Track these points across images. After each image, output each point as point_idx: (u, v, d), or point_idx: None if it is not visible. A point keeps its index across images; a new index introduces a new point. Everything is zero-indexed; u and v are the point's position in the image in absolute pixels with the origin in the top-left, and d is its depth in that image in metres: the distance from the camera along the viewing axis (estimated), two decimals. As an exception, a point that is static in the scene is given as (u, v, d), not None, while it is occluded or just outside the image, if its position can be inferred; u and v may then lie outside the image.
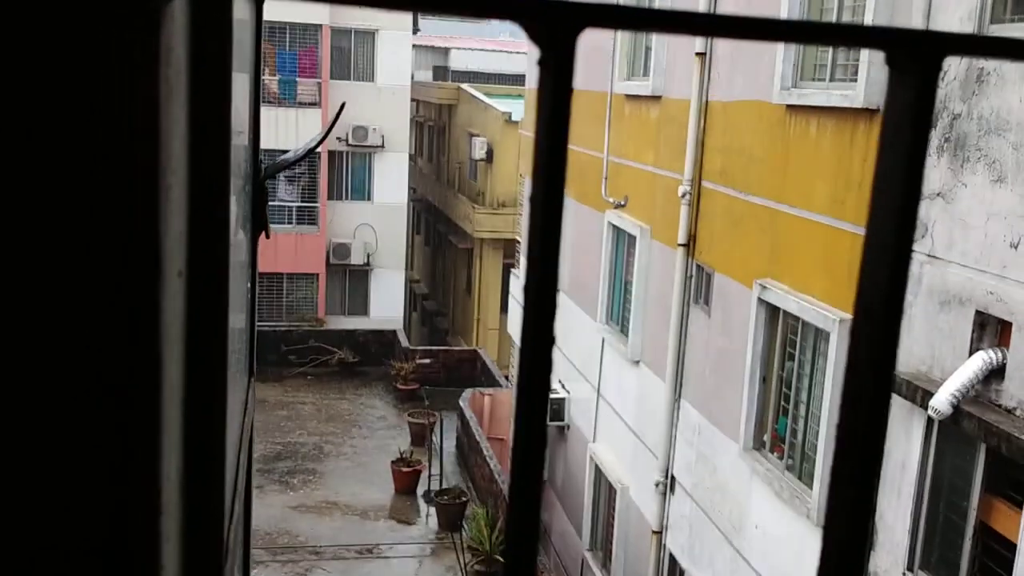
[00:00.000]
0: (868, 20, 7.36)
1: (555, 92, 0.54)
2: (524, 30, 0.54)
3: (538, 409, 0.56)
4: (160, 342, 0.50)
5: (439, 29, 46.75)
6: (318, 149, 25.39)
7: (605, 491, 13.20)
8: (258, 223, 1.68)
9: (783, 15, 8.56)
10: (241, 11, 1.44)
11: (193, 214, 0.64)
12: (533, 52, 0.51)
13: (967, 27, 6.39)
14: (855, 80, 7.66)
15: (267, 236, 1.77)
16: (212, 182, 0.68)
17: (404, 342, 25.07)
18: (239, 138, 1.48)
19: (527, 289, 0.53)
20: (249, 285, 1.69)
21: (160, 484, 0.55)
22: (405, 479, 17.72)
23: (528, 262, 0.57)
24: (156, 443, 0.53)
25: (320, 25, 25.59)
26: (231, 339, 1.22)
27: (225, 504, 1.04)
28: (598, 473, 13.39)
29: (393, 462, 17.95)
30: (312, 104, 25.70)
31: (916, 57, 0.57)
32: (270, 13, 24.39)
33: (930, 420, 6.53)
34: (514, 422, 0.54)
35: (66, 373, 0.50)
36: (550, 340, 0.53)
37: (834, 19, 8.14)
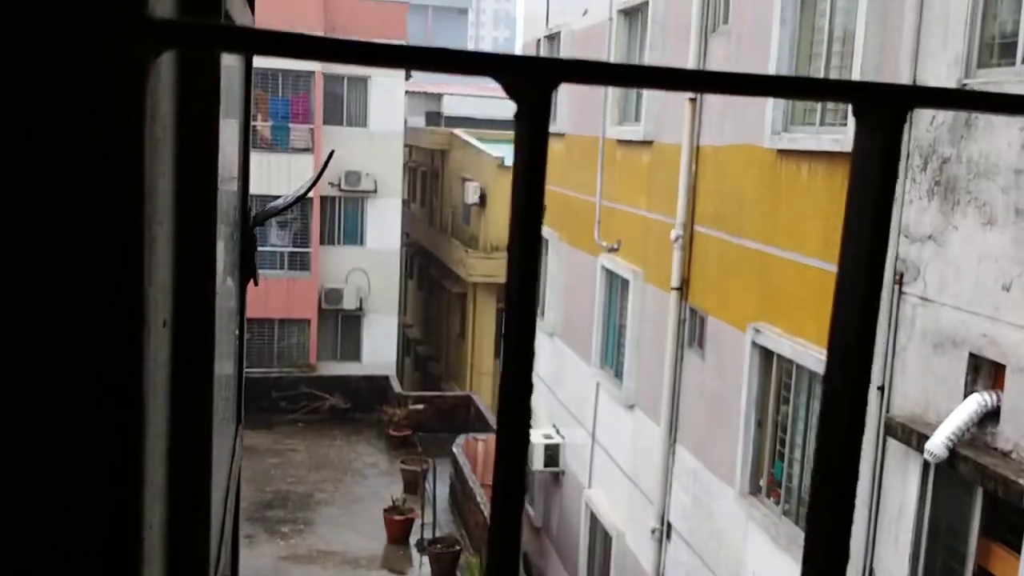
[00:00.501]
0: (857, 64, 7.46)
1: (531, 145, 0.55)
2: (501, 85, 0.55)
3: (518, 453, 0.56)
4: (144, 393, 0.51)
5: (432, 75, 47.21)
6: (310, 194, 25.50)
7: (601, 538, 13.08)
8: (247, 270, 1.69)
9: (772, 59, 8.68)
10: (230, 57, 1.46)
11: (179, 264, 0.65)
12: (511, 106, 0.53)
13: (954, 72, 6.48)
14: (844, 124, 7.75)
15: (255, 283, 1.78)
16: (199, 233, 0.69)
17: (397, 388, 24.95)
18: (228, 184, 1.49)
19: (506, 338, 0.54)
20: (237, 332, 1.69)
21: (142, 534, 0.55)
22: (398, 528, 17.52)
23: (507, 306, 0.58)
24: (138, 492, 0.53)
25: (313, 72, 25.83)
26: (218, 387, 1.21)
27: (211, 552, 1.03)
28: (593, 520, 13.27)
29: (385, 510, 17.76)
30: (305, 150, 25.84)
31: (882, 109, 0.59)
32: (262, 60, 24.67)
33: (926, 464, 6.51)
34: (494, 469, 0.54)
35: (47, 424, 0.50)
36: (528, 387, 0.54)
37: (823, 63, 8.26)
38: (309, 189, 2.50)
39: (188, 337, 0.68)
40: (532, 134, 0.56)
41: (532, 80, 0.55)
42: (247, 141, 1.81)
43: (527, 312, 0.56)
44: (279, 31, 0.47)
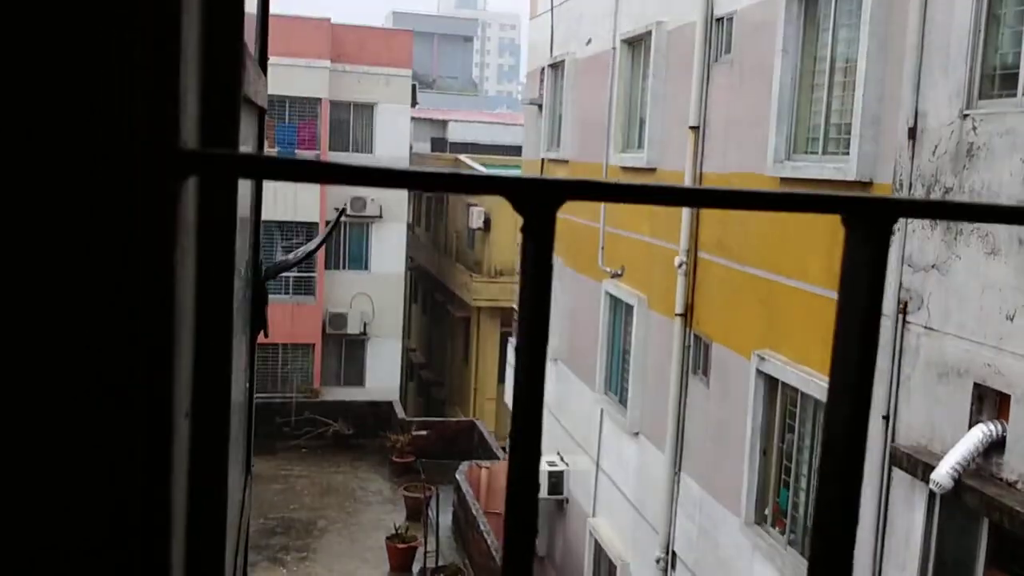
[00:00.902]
0: (859, 94, 7.50)
1: (536, 257, 0.58)
2: (510, 202, 0.58)
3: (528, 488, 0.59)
4: (170, 488, 0.53)
5: (437, 102, 47.52)
6: (315, 219, 25.60)
7: (605, 567, 13.01)
8: (258, 323, 1.72)
9: (774, 89, 8.74)
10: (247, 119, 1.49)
11: (198, 359, 0.68)
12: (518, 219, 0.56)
13: (956, 102, 6.52)
14: (847, 153, 7.79)
15: (266, 335, 1.81)
16: (218, 325, 0.72)
17: (400, 413, 24.91)
18: (241, 240, 1.53)
19: (512, 440, 0.56)
20: (247, 384, 1.72)
21: None
22: (400, 556, 17.43)
23: (513, 413, 0.61)
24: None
25: (320, 99, 25.99)
26: (231, 442, 1.24)
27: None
28: (598, 548, 13.21)
29: (388, 538, 17.68)
30: (311, 176, 25.92)
31: (870, 220, 0.61)
32: (270, 87, 24.81)
33: (932, 494, 6.49)
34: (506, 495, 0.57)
35: (74, 517, 0.53)
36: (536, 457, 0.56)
37: (825, 93, 8.31)
38: (320, 245, 2.54)
39: (205, 424, 0.71)
40: (538, 247, 0.58)
41: (539, 199, 0.58)
42: (260, 188, 1.84)
43: (534, 416, 0.59)
44: (295, 160, 0.50)
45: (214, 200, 0.70)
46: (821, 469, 0.66)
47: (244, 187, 1.43)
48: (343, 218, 26.68)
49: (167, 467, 0.56)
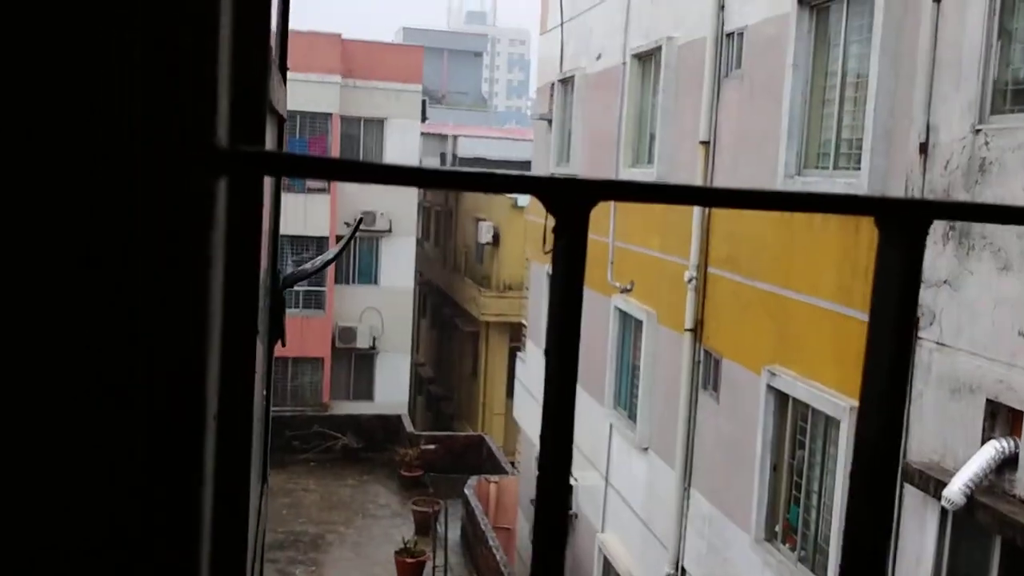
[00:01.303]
0: (870, 108, 7.50)
1: (568, 257, 0.58)
2: (542, 203, 0.58)
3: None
4: (203, 487, 0.53)
5: (447, 117, 47.67)
6: (326, 234, 25.66)
7: (614, 581, 12.95)
8: (276, 331, 1.72)
9: (785, 104, 8.74)
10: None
11: (224, 359, 0.68)
12: (550, 219, 0.55)
13: (968, 117, 6.51)
14: (858, 168, 7.78)
15: (283, 344, 1.81)
16: (242, 329, 0.72)
17: (409, 427, 24.89)
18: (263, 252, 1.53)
19: (541, 464, 0.56)
20: (265, 392, 1.71)
21: None
22: (409, 570, 17.38)
23: (544, 412, 0.60)
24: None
25: (330, 114, 26.11)
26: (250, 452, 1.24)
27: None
28: (607, 564, 13.15)
29: (396, 552, 17.64)
30: (321, 191, 26.07)
31: (904, 221, 0.61)
32: (282, 102, 24.91)
33: (944, 511, 6.45)
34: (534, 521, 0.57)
35: (121, 517, 0.53)
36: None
37: (836, 108, 8.30)
38: (339, 254, 2.55)
39: (230, 429, 0.71)
40: (570, 247, 0.58)
41: (572, 199, 0.58)
42: (278, 198, 1.85)
43: (567, 404, 0.58)
44: (324, 158, 0.50)
45: (242, 200, 0.70)
46: (852, 479, 0.65)
47: (264, 196, 1.43)
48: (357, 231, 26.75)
49: (200, 469, 0.56)
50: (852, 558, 0.62)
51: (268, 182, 1.55)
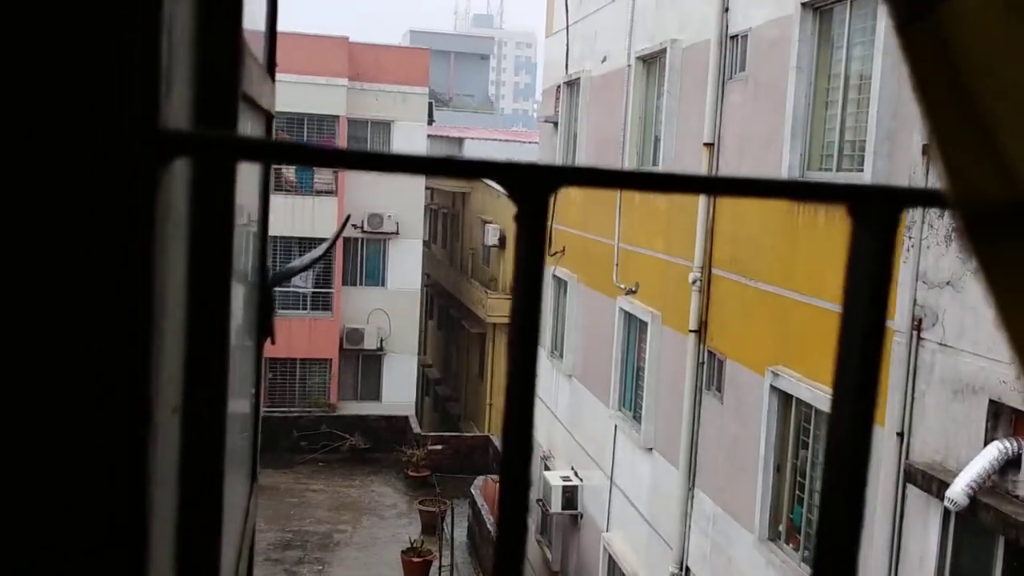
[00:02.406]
0: (873, 110, 7.49)
1: (529, 245, 0.58)
2: (504, 189, 0.58)
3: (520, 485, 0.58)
4: (148, 481, 0.52)
5: (454, 120, 47.73)
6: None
7: (619, 582, 12.93)
8: (264, 330, 1.72)
9: (789, 105, 8.73)
10: (252, 119, 1.50)
11: (192, 350, 0.67)
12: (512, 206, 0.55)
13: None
14: (862, 170, 7.77)
15: (272, 342, 1.81)
16: (212, 318, 0.71)
17: (416, 428, 24.90)
18: (247, 245, 1.53)
19: (503, 440, 0.56)
20: (254, 390, 1.71)
21: None
22: (416, 569, 17.40)
23: (506, 396, 0.60)
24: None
25: (337, 116, 26.14)
26: (232, 449, 1.24)
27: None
28: (612, 563, 13.14)
29: (403, 552, 17.65)
30: (328, 192, 26.10)
31: (876, 209, 0.61)
32: (288, 104, 24.93)
33: (947, 512, 6.43)
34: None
35: (49, 516, 0.52)
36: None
37: (839, 110, 8.29)
38: (326, 252, 2.55)
39: (199, 418, 0.71)
40: (531, 235, 0.58)
41: (532, 186, 0.58)
42: (267, 195, 1.85)
43: (526, 404, 0.58)
44: (279, 143, 0.50)
45: (209, 189, 0.70)
46: (824, 479, 0.64)
47: (250, 191, 1.43)
48: (361, 234, 26.80)
49: (143, 459, 0.55)
50: (825, 554, 0.62)
51: (255, 177, 1.55)
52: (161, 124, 0.50)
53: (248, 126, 1.21)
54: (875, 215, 0.60)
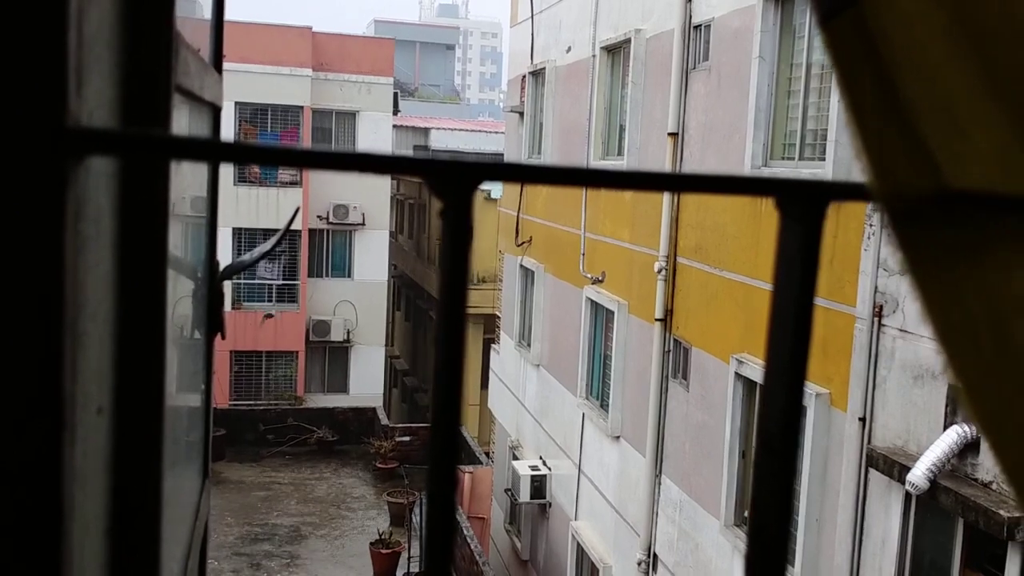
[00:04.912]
0: (834, 99, 7.55)
1: (454, 237, 0.57)
2: (427, 185, 0.58)
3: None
4: (62, 483, 0.51)
5: (419, 110, 47.54)
6: (299, 228, 25.52)
7: (587, 570, 13.01)
8: (214, 324, 1.70)
9: (751, 95, 8.78)
10: (193, 110, 1.48)
11: (122, 351, 0.66)
12: (437, 202, 0.55)
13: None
14: (823, 159, 7.84)
15: (223, 337, 1.79)
16: (144, 314, 0.70)
17: (384, 419, 24.85)
18: (195, 240, 1.51)
19: (432, 418, 0.55)
20: (204, 386, 1.70)
21: None
22: (384, 561, 17.39)
23: (433, 385, 0.60)
24: None
25: (302, 107, 25.95)
26: (178, 443, 1.22)
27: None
28: (580, 551, 13.21)
29: (372, 544, 17.63)
30: (293, 183, 25.91)
31: (803, 202, 0.61)
32: (252, 95, 24.70)
33: (908, 495, 6.52)
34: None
35: None
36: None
37: (801, 99, 8.35)
38: (276, 245, 2.53)
39: (131, 418, 0.69)
40: (455, 227, 0.58)
41: (454, 181, 0.57)
42: (216, 187, 1.82)
43: (454, 390, 0.58)
44: (192, 139, 0.49)
45: (134, 185, 0.68)
46: (756, 464, 0.65)
47: (198, 184, 1.41)
48: (327, 225, 26.64)
49: (58, 459, 0.53)
50: (755, 538, 0.62)
51: (202, 169, 1.53)
52: (70, 121, 0.49)
53: (187, 120, 1.20)
54: (802, 208, 0.61)
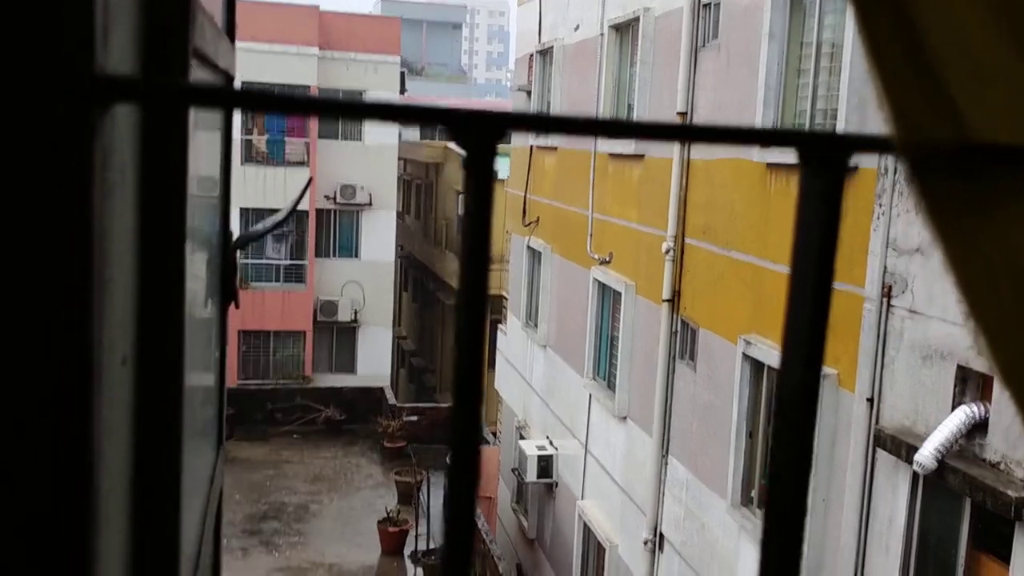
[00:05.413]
0: (844, 77, 7.50)
1: (478, 191, 0.57)
2: (451, 136, 0.58)
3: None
4: (92, 430, 0.52)
5: (426, 89, 47.39)
6: (306, 208, 25.52)
7: (594, 549, 13.07)
8: (227, 293, 1.71)
9: (761, 73, 8.73)
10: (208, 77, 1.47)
11: (144, 301, 0.66)
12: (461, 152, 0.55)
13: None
14: (832, 138, 7.79)
15: (236, 306, 1.80)
16: (166, 269, 0.70)
17: (391, 399, 24.94)
18: (208, 209, 1.51)
19: (455, 379, 0.56)
20: (218, 354, 1.71)
21: None
22: (392, 539, 17.50)
23: (456, 344, 0.60)
24: (87, 549, 0.52)
25: (308, 86, 25.89)
26: (195, 410, 1.23)
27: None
28: (587, 531, 13.27)
29: (380, 522, 17.74)
30: (300, 163, 25.90)
31: (825, 154, 0.61)
32: (259, 75, 24.66)
33: (915, 475, 6.53)
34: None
35: None
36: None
37: (811, 77, 8.30)
38: (288, 216, 2.54)
39: (154, 370, 0.70)
40: (479, 179, 0.58)
41: (478, 131, 0.57)
42: (228, 161, 1.83)
43: (476, 345, 0.58)
44: (219, 88, 0.49)
45: (156, 136, 0.69)
46: (774, 432, 0.65)
47: (213, 153, 1.41)
48: (334, 205, 26.63)
49: (88, 401, 0.54)
50: (775, 515, 0.62)
51: (215, 142, 1.53)
52: (97, 69, 0.49)
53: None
54: (824, 161, 0.60)
